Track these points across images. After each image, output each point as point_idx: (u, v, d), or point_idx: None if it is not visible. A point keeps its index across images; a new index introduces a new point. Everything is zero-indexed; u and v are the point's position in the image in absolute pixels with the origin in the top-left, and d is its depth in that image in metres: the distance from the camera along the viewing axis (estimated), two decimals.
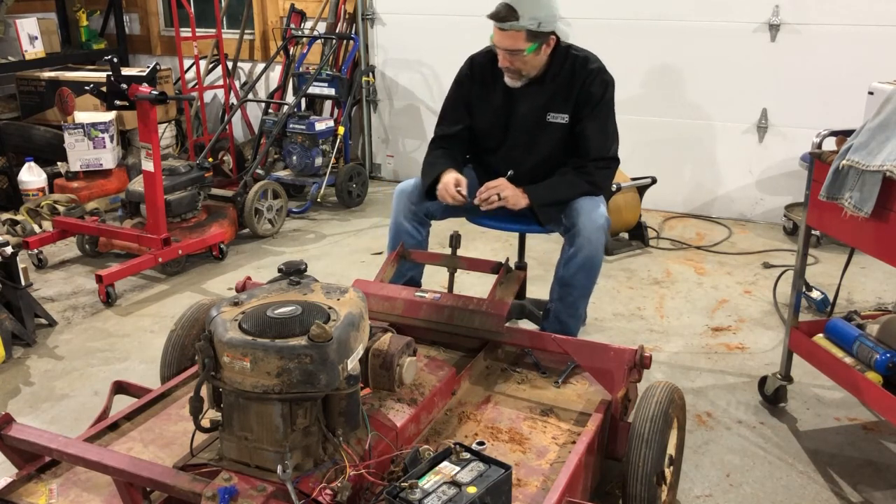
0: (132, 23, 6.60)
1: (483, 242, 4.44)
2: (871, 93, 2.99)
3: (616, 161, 2.88)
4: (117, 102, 3.80)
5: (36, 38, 5.56)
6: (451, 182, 2.75)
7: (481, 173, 3.01)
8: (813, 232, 2.74)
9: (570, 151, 2.84)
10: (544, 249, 4.27)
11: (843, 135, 2.49)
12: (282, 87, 5.76)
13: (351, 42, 5.51)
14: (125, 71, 4.08)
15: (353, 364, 1.79)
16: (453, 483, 1.60)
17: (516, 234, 3.27)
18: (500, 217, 3.06)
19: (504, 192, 2.75)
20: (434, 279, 3.63)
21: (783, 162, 4.71)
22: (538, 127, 2.84)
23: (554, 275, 2.83)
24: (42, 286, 3.97)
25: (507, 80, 2.79)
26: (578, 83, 2.77)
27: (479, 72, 2.89)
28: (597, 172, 2.80)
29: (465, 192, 2.75)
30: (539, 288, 3.50)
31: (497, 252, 4.31)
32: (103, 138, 4.94)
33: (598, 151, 2.81)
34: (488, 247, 4.41)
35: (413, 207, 2.92)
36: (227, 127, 5.46)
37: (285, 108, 5.25)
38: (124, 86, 3.73)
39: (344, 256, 4.40)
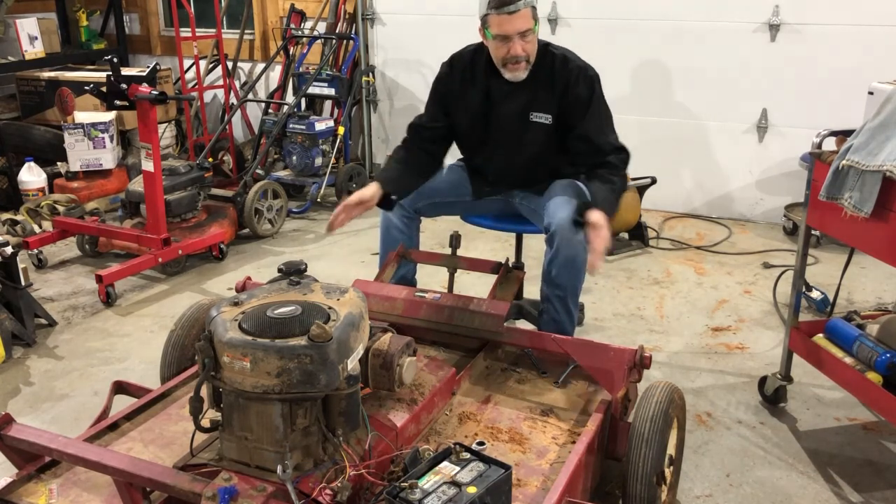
0: (132, 23, 6.59)
1: (483, 242, 4.43)
2: (871, 93, 2.99)
3: (625, 148, 2.81)
4: (117, 102, 3.80)
5: (36, 38, 5.56)
6: (339, 210, 2.77)
7: (471, 172, 2.99)
8: (813, 232, 2.74)
9: (558, 150, 2.80)
10: (543, 249, 4.24)
11: (843, 135, 2.49)
12: (282, 87, 5.76)
13: (351, 42, 5.51)
14: (125, 71, 4.07)
15: (353, 364, 1.79)
16: (453, 483, 1.59)
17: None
18: (495, 217, 3.06)
19: (604, 235, 2.46)
20: (434, 279, 3.63)
21: (783, 162, 4.71)
22: (521, 127, 2.79)
23: (541, 277, 2.82)
24: (42, 286, 3.97)
25: (513, 74, 2.69)
26: (561, 84, 2.72)
27: (460, 70, 2.82)
28: (620, 164, 2.75)
29: (352, 214, 2.78)
30: (537, 288, 3.48)
31: (497, 252, 4.31)
32: (103, 138, 4.94)
33: (610, 145, 2.76)
34: (488, 247, 4.41)
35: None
36: (227, 127, 5.46)
37: (285, 108, 5.24)
38: (124, 86, 3.73)
39: (344, 256, 4.40)
